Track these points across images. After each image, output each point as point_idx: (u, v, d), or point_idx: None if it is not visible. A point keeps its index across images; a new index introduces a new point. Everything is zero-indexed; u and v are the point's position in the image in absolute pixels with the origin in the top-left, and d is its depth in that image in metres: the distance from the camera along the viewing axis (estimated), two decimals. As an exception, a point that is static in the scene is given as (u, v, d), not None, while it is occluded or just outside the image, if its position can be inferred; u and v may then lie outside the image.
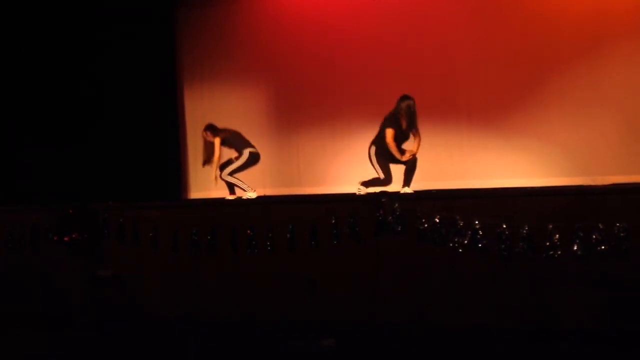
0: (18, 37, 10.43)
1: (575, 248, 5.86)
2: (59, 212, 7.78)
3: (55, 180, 10.10)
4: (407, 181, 7.67)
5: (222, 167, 8.44)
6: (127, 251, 7.58)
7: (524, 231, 5.99)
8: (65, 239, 7.62)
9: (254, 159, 8.48)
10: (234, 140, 8.49)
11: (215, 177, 8.40)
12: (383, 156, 7.67)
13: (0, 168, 10.30)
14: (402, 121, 7.51)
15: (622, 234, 5.77)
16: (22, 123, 10.51)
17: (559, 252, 5.90)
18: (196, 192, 10.77)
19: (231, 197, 8.38)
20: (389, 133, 7.56)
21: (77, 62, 10.47)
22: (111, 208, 7.91)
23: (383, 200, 6.61)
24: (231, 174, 8.41)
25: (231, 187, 8.47)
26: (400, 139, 7.62)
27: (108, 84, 10.48)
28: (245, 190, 8.33)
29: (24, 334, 7.28)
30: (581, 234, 5.84)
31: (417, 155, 7.64)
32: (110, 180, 10.07)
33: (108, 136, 10.42)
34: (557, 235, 5.89)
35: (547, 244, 5.92)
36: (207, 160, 8.53)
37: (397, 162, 7.63)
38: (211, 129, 8.49)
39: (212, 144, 8.45)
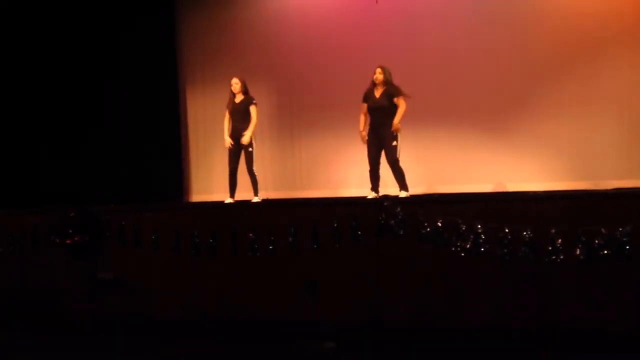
0: (18, 38, 10.43)
1: (577, 252, 5.85)
2: (61, 215, 7.77)
3: (56, 182, 10.10)
4: (401, 186, 7.68)
5: (248, 161, 8.32)
6: (128, 254, 7.57)
7: (526, 235, 5.98)
8: (67, 241, 7.61)
9: None
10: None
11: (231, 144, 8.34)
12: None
13: (1, 171, 10.30)
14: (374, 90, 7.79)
15: (624, 239, 5.76)
16: (23, 125, 10.51)
17: (562, 257, 5.89)
18: (197, 195, 10.76)
19: (230, 201, 8.36)
20: (362, 108, 7.88)
21: (78, 63, 10.47)
22: (112, 211, 7.91)
23: (385, 204, 6.60)
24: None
25: (233, 185, 8.41)
26: (374, 111, 7.75)
27: (109, 86, 10.49)
28: (257, 195, 8.34)
29: (25, 335, 7.28)
30: (583, 239, 5.83)
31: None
32: (111, 182, 10.08)
33: (109, 138, 10.42)
34: (560, 240, 5.89)
35: (550, 248, 5.92)
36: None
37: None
38: (245, 85, 8.40)
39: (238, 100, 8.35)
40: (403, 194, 7.56)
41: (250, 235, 7.05)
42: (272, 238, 6.98)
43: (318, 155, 10.26)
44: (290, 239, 6.91)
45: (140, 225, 7.55)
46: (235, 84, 8.37)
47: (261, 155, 10.30)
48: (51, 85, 10.49)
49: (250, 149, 8.32)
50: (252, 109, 8.31)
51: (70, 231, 7.61)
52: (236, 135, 8.34)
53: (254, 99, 8.39)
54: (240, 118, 8.33)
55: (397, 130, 7.65)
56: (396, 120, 7.63)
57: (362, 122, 7.91)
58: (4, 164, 10.33)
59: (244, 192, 8.67)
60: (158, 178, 10.44)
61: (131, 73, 10.48)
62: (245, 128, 8.28)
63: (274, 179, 10.41)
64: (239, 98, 8.39)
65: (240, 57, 10.48)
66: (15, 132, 10.45)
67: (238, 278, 7.16)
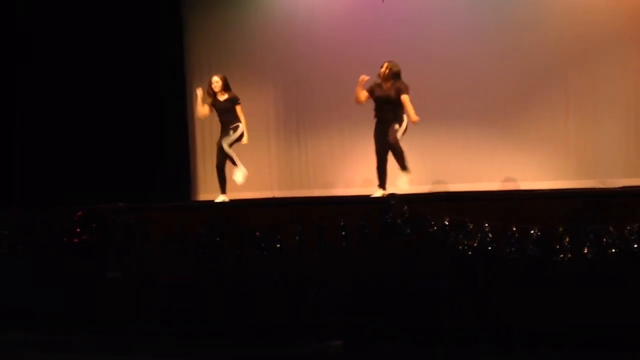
0: (22, 36, 10.47)
1: (585, 251, 5.83)
2: (69, 214, 7.78)
3: (63, 181, 10.13)
4: (401, 165, 7.66)
5: (222, 137, 8.36)
6: (136, 252, 7.58)
7: (534, 234, 5.96)
8: (75, 240, 7.62)
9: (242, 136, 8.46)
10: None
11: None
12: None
13: (9, 169, 10.34)
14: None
15: (632, 237, 5.74)
16: (31, 124, 10.55)
17: (569, 255, 5.87)
18: (204, 194, 10.77)
19: (223, 197, 8.38)
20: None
21: (85, 62, 10.50)
22: (120, 209, 7.91)
23: (392, 202, 6.59)
24: (230, 146, 8.34)
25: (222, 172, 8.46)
26: (382, 104, 7.71)
27: (116, 85, 10.50)
28: (237, 166, 8.33)
29: (33, 335, 7.30)
30: (591, 237, 5.81)
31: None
32: (119, 181, 10.09)
33: (117, 137, 10.44)
34: (568, 239, 5.87)
35: (557, 247, 5.89)
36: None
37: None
38: (226, 82, 8.39)
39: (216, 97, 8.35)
40: (406, 174, 7.56)
41: (257, 234, 7.04)
42: (279, 237, 6.97)
43: (324, 154, 10.26)
44: (297, 237, 6.91)
45: (148, 224, 7.55)
46: (216, 83, 8.36)
47: (267, 153, 10.36)
48: (56, 84, 10.52)
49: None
50: (239, 110, 8.34)
51: (78, 230, 7.62)
52: (224, 132, 8.37)
53: (238, 99, 8.38)
54: (227, 116, 8.37)
55: (415, 121, 7.60)
56: (413, 116, 7.57)
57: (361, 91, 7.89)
58: (12, 162, 10.37)
59: (250, 192, 8.70)
60: (165, 177, 10.46)
61: (138, 72, 10.49)
62: (232, 126, 8.33)
63: (280, 177, 10.42)
64: (222, 96, 8.39)
65: (247, 55, 10.51)
66: (24, 130, 10.50)
67: (245, 277, 7.16)
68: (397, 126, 7.65)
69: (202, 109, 8.55)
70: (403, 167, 7.67)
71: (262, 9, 10.60)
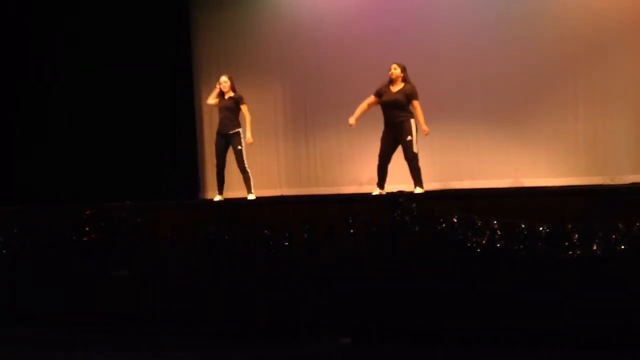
0: (29, 34, 10.51)
1: (594, 248, 5.80)
2: (77, 212, 7.81)
3: (72, 180, 10.16)
4: (416, 182, 7.67)
5: (238, 158, 8.40)
6: (143, 251, 7.59)
7: (543, 231, 5.94)
8: (84, 239, 7.64)
9: None
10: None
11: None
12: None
13: (19, 168, 10.38)
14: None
15: (642, 234, 5.72)
16: (41, 122, 10.59)
17: (578, 252, 5.85)
18: (213, 192, 10.75)
19: (219, 198, 8.43)
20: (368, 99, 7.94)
21: (94, 62, 10.53)
22: (128, 208, 7.93)
23: (400, 200, 6.58)
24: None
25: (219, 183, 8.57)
26: (390, 106, 7.72)
27: (125, 85, 10.53)
28: (252, 192, 8.38)
29: (41, 332, 7.33)
30: (600, 234, 5.79)
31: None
32: (127, 180, 10.12)
33: (126, 136, 10.47)
34: (577, 236, 5.84)
35: (566, 244, 5.87)
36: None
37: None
38: (233, 83, 8.49)
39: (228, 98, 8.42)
40: (418, 191, 7.55)
41: (266, 232, 7.05)
42: (287, 235, 6.97)
43: (332, 153, 10.27)
44: (305, 235, 6.91)
45: (156, 222, 7.56)
46: (225, 83, 8.45)
47: (275, 152, 10.37)
48: (65, 83, 10.56)
49: (239, 147, 8.36)
50: (244, 108, 8.40)
51: (87, 229, 7.64)
52: (224, 131, 8.41)
53: (243, 98, 8.46)
54: (228, 115, 8.40)
55: (425, 132, 7.68)
56: (423, 125, 7.67)
57: (360, 110, 8.00)
58: (22, 161, 10.42)
59: (259, 190, 8.70)
60: (173, 176, 10.48)
61: (147, 72, 10.52)
62: (234, 125, 8.37)
63: (288, 175, 10.44)
64: (228, 95, 8.45)
65: (255, 55, 10.52)
66: (32, 129, 10.54)
67: (253, 275, 7.16)
68: (409, 137, 7.62)
69: (213, 100, 8.60)
70: (418, 183, 7.67)
71: (270, 9, 10.61)
